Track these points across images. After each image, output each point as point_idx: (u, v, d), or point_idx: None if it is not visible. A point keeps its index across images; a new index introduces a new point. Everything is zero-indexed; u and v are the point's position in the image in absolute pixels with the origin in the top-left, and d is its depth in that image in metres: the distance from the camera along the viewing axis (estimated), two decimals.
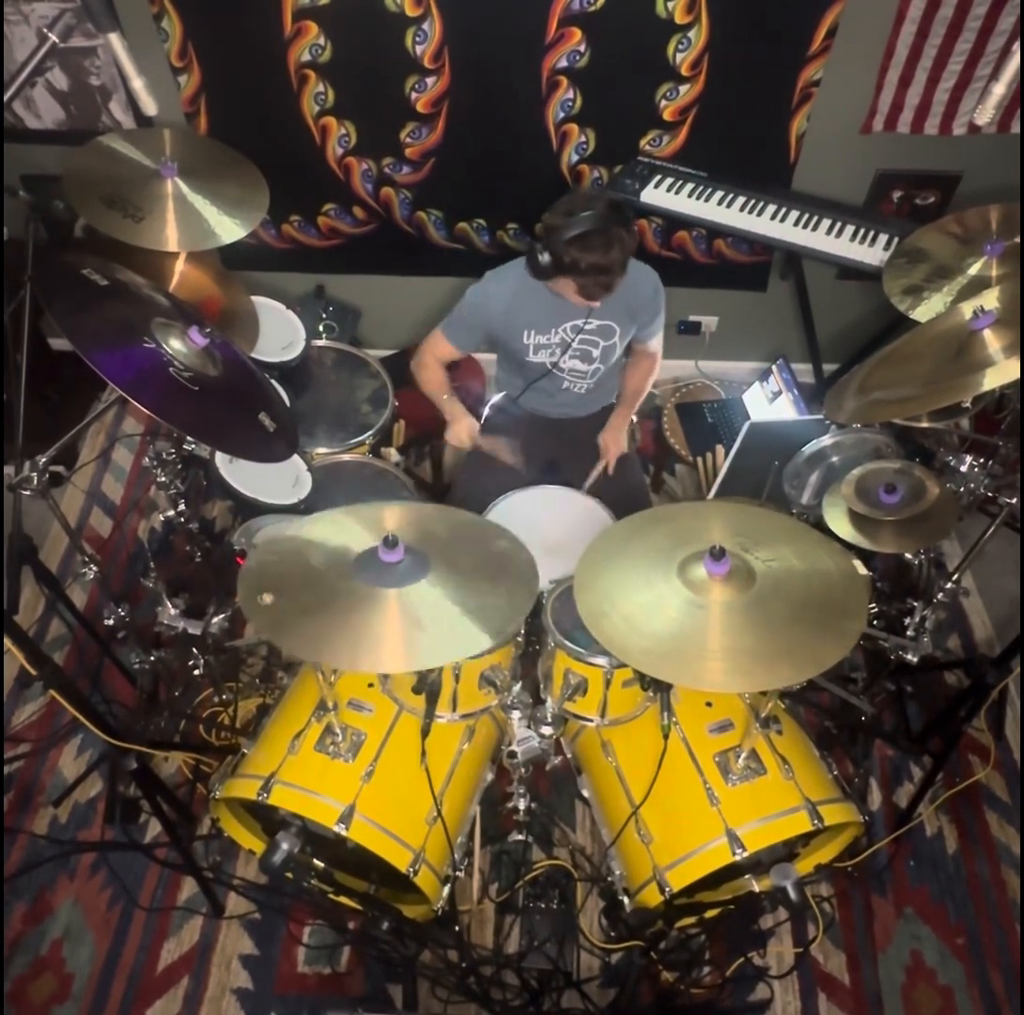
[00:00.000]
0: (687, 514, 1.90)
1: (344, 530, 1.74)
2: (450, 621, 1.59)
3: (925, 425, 2.32)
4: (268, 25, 2.55)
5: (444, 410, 2.49)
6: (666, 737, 1.79)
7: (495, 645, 1.64)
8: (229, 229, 2.27)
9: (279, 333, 2.58)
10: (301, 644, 1.57)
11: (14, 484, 1.89)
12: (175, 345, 1.90)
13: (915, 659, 2.10)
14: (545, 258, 2.09)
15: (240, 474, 2.27)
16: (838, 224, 2.69)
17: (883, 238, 2.64)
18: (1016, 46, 1.98)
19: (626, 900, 1.96)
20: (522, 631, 1.97)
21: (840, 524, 2.07)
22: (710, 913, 1.98)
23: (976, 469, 2.20)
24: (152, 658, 2.47)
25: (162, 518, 2.51)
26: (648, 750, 1.91)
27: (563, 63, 2.60)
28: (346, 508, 1.82)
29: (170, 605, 2.14)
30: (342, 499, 2.32)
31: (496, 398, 2.67)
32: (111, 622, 2.27)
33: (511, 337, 2.36)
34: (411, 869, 1.83)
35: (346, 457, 2.50)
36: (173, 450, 2.37)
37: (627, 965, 2.18)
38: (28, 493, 1.90)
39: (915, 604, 2.17)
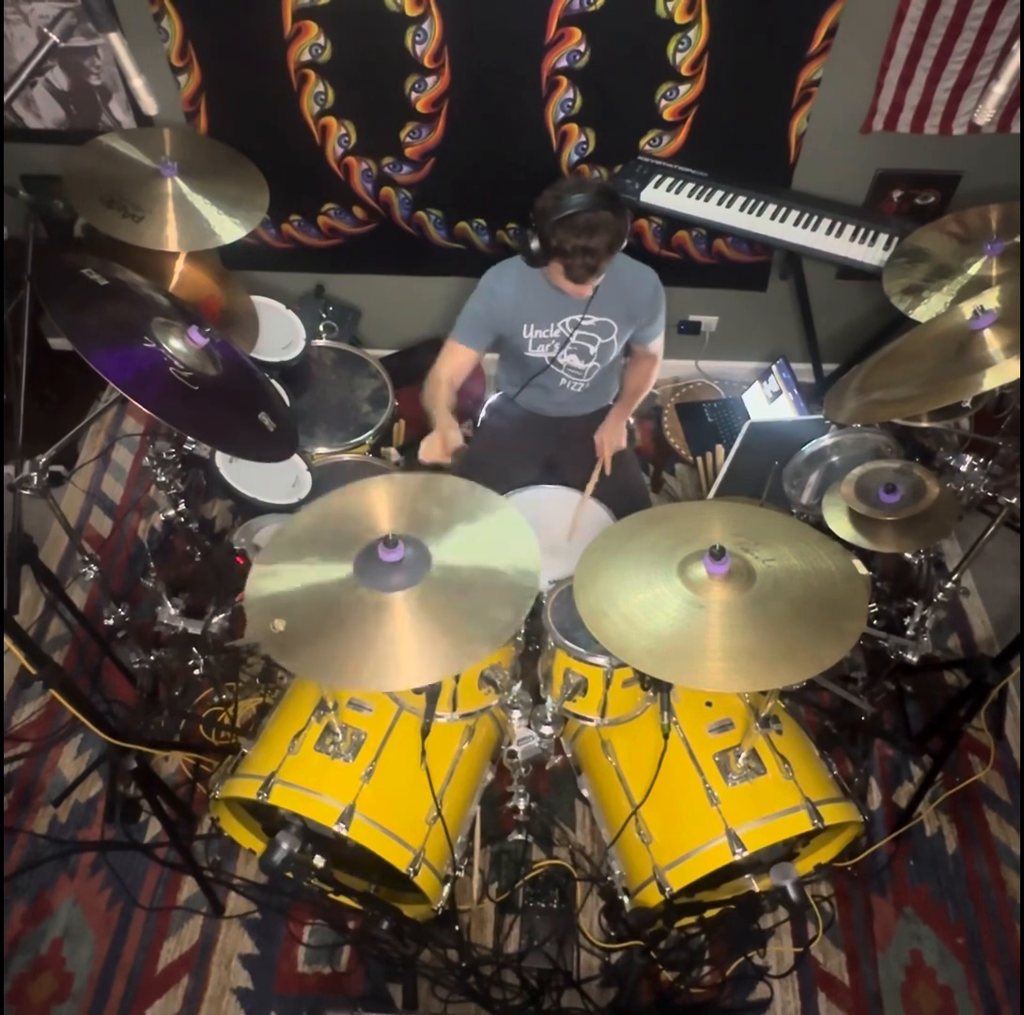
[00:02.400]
0: (687, 514, 1.90)
1: (333, 530, 1.71)
2: (465, 617, 1.57)
3: (925, 425, 2.33)
4: (268, 25, 2.55)
5: (434, 420, 2.31)
6: (666, 737, 1.79)
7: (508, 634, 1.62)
8: (229, 229, 2.27)
9: (279, 333, 2.58)
10: (322, 671, 1.54)
11: (14, 484, 1.89)
12: (175, 345, 1.90)
13: (915, 659, 2.10)
14: (535, 246, 2.11)
15: (240, 474, 2.27)
16: (838, 224, 2.69)
17: (883, 238, 2.64)
18: (1016, 46, 1.97)
19: (626, 900, 1.96)
20: (522, 631, 1.97)
21: (840, 524, 2.08)
22: (710, 913, 1.98)
23: (976, 469, 2.20)
24: (152, 658, 2.47)
25: (162, 518, 2.51)
26: (648, 750, 1.91)
27: (563, 63, 2.60)
28: (328, 500, 1.79)
29: (170, 605, 2.14)
30: None
31: (493, 398, 2.67)
32: (111, 622, 2.27)
33: (513, 332, 2.37)
34: (411, 869, 1.83)
35: (346, 457, 2.50)
36: (173, 450, 2.37)
37: (627, 965, 2.18)
38: (28, 493, 1.90)
39: (915, 604, 2.18)
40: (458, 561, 1.65)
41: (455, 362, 2.40)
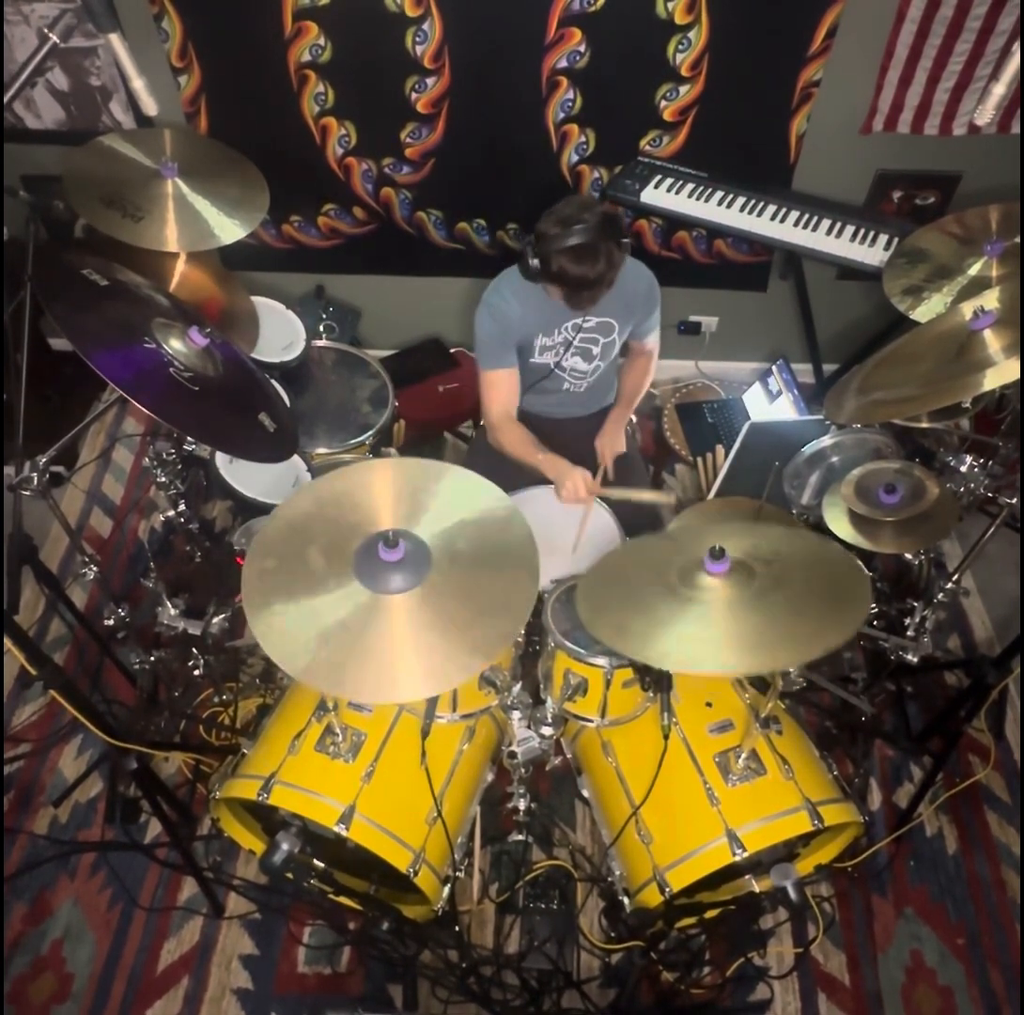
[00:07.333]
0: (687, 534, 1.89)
1: (336, 514, 1.65)
2: (469, 622, 1.54)
3: (925, 425, 2.33)
4: (268, 25, 2.55)
5: (544, 469, 2.30)
6: (666, 737, 1.79)
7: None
8: (229, 229, 2.27)
9: (279, 333, 2.58)
10: (327, 681, 1.50)
11: (14, 484, 1.89)
12: (175, 345, 1.90)
13: (915, 659, 2.10)
14: (535, 263, 2.10)
15: (240, 474, 2.27)
16: (838, 224, 2.69)
17: (883, 238, 2.64)
18: (1016, 46, 1.98)
19: (626, 900, 1.96)
20: (522, 631, 1.97)
21: (840, 525, 2.07)
22: (710, 913, 1.98)
23: (976, 469, 2.20)
24: (152, 658, 2.47)
25: (162, 518, 2.52)
26: (648, 750, 1.91)
27: (563, 63, 2.60)
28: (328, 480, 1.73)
29: (170, 605, 2.14)
30: None
31: None
32: (111, 622, 2.27)
33: (526, 344, 2.37)
34: (411, 869, 1.83)
35: (346, 457, 2.50)
36: (173, 450, 2.37)
37: (627, 965, 2.18)
38: (28, 493, 1.90)
39: (915, 604, 2.18)
40: (459, 560, 1.61)
41: (499, 391, 2.38)
